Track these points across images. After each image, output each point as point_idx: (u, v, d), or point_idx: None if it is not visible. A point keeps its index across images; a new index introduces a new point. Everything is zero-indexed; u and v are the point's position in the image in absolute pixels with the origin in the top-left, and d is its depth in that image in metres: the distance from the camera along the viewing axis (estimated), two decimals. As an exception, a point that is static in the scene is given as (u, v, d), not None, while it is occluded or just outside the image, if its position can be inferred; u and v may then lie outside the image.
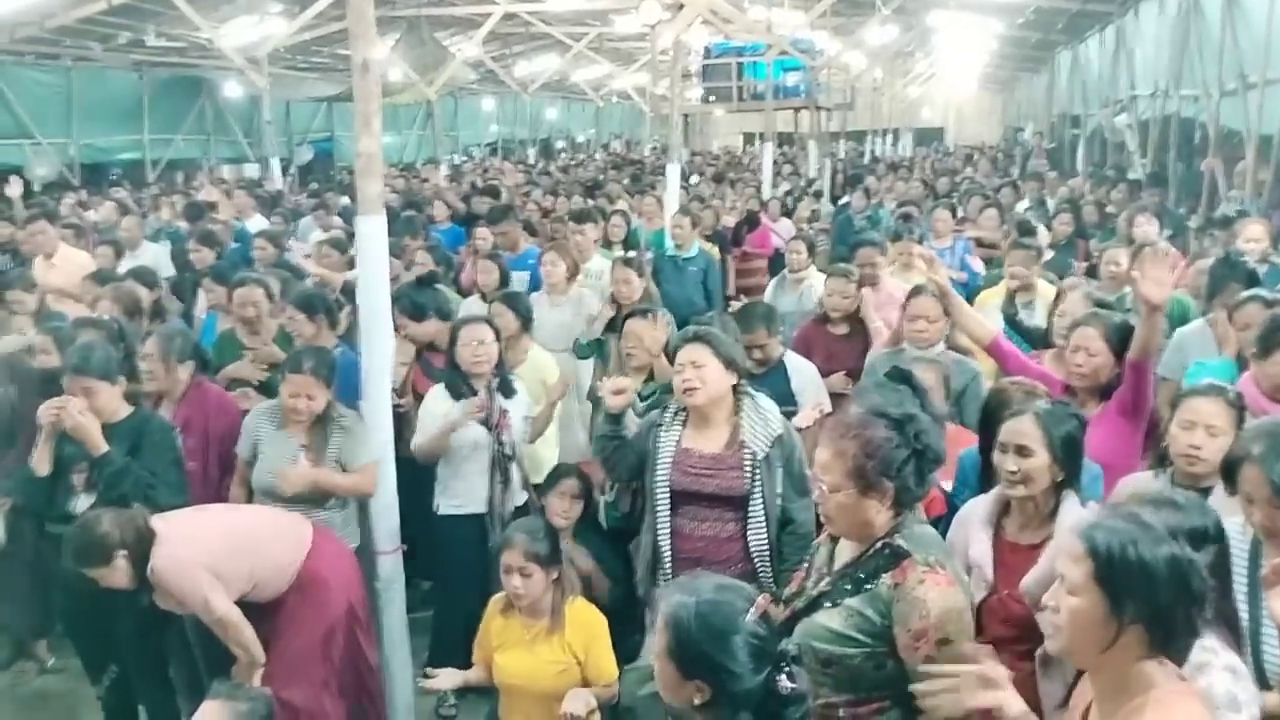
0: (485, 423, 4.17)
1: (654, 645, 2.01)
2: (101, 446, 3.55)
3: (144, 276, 5.77)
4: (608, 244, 8.01)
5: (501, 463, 4.21)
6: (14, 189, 9.38)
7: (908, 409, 2.42)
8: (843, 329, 5.22)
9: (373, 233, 3.95)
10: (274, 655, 3.41)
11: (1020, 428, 2.79)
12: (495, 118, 30.43)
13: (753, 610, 1.95)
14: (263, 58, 15.43)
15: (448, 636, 4.24)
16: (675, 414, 3.37)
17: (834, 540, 2.54)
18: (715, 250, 8.55)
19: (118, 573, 3.16)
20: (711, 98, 23.21)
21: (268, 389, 4.61)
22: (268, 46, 15.46)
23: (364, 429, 3.92)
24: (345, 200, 12.67)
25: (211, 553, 3.30)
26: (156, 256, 7.55)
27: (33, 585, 4.37)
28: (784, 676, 1.91)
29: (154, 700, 3.77)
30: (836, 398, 4.57)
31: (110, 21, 15.21)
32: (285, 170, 17.29)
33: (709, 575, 2.15)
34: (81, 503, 3.64)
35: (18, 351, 4.60)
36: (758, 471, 3.23)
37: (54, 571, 3.93)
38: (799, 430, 3.65)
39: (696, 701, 1.94)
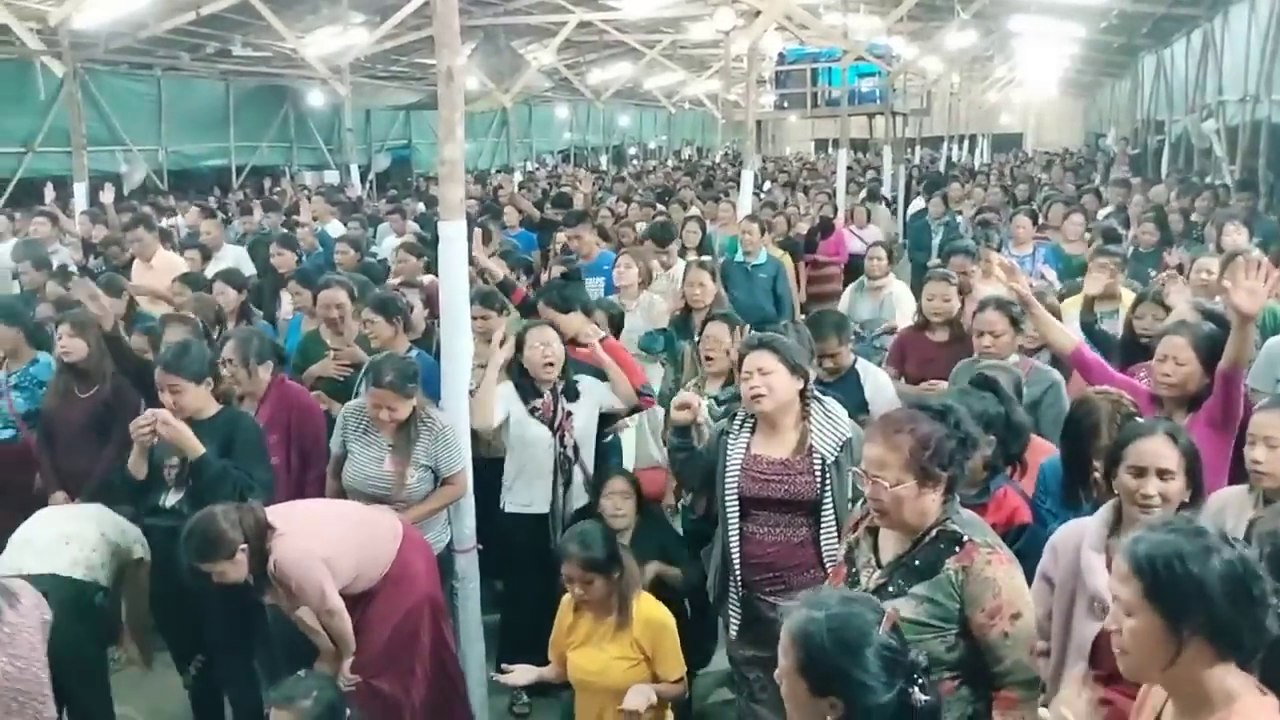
0: (549, 424, 4.22)
1: (780, 666, 1.95)
2: (198, 450, 3.64)
3: (233, 278, 5.95)
4: (682, 250, 8.03)
5: (564, 464, 4.26)
6: (107, 195, 9.72)
7: (945, 401, 2.51)
8: (943, 335, 5.08)
9: (454, 237, 4.02)
10: (365, 644, 3.48)
11: (1158, 449, 2.64)
12: (568, 125, 30.68)
13: (885, 622, 1.90)
14: (345, 67, 15.80)
15: (516, 634, 4.30)
16: (743, 421, 3.38)
17: (871, 533, 2.57)
18: (786, 257, 8.52)
19: (238, 567, 3.22)
20: (785, 104, 23.07)
21: (349, 389, 4.73)
22: (349, 56, 15.82)
23: (453, 432, 3.98)
24: (421, 206, 12.94)
25: (326, 545, 3.38)
26: (238, 259, 7.76)
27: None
28: (916, 689, 1.86)
29: (238, 689, 3.87)
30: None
31: (199, 32, 15.69)
32: (364, 177, 17.64)
33: (831, 589, 2.17)
34: (172, 497, 3.76)
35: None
36: (828, 476, 3.22)
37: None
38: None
39: (830, 719, 1.88)
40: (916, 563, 2.44)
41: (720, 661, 4.52)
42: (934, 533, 2.45)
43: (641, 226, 8.83)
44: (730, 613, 3.37)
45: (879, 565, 2.52)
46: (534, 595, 4.17)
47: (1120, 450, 2.70)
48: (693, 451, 3.51)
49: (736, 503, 3.29)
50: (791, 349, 3.34)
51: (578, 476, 4.32)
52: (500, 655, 4.32)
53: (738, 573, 3.31)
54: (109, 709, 3.69)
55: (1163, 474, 2.62)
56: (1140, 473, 2.63)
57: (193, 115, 18.55)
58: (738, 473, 3.29)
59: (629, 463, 4.96)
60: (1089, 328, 4.87)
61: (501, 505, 4.33)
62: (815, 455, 3.24)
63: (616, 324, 5.33)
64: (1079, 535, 2.70)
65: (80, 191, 11.80)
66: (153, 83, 17.46)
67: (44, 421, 4.69)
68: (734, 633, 3.38)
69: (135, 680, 4.63)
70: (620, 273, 5.91)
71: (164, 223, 9.95)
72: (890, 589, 2.43)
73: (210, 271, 6.69)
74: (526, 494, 4.27)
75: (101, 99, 16.00)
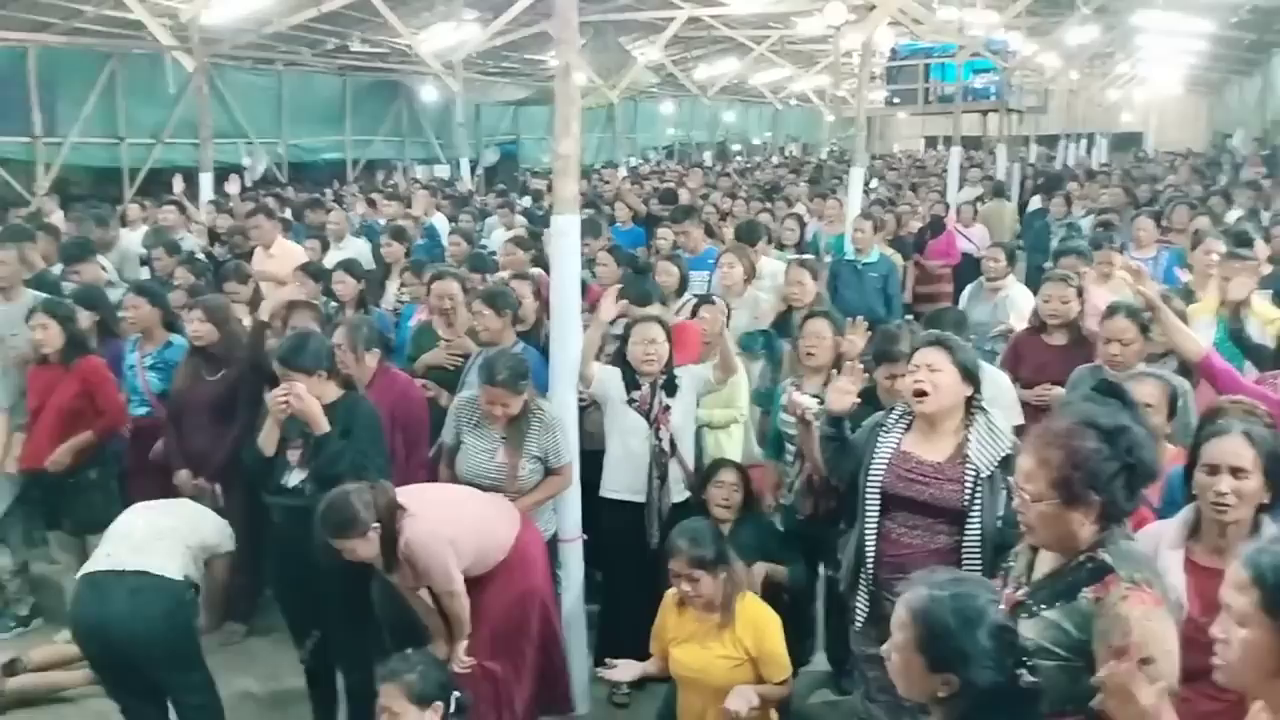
0: (645, 415, 4.24)
1: (893, 641, 2.02)
2: (324, 427, 3.77)
3: (352, 268, 6.10)
4: (780, 246, 7.97)
5: (659, 457, 4.27)
6: (233, 186, 10.11)
7: (1121, 420, 2.32)
8: (1060, 339, 4.94)
9: (567, 231, 4.07)
10: (479, 627, 3.56)
11: (1234, 448, 2.63)
12: (673, 121, 30.70)
13: (1003, 603, 1.95)
14: (457, 63, 16.11)
15: (612, 625, 4.34)
16: (900, 417, 3.29)
17: (1033, 550, 2.47)
18: (898, 256, 8.38)
19: (369, 545, 3.31)
20: (896, 100, 22.70)
21: (459, 378, 4.82)
22: (462, 52, 16.11)
23: (563, 425, 4.04)
24: (527, 201, 13.12)
25: (451, 528, 3.47)
26: (359, 250, 7.97)
27: (244, 551, 4.70)
28: (1024, 671, 1.92)
29: (351, 666, 3.97)
30: (1042, 412, 4.39)
31: (319, 28, 16.20)
32: (472, 171, 17.95)
33: (944, 570, 2.15)
34: (295, 476, 3.89)
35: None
36: (979, 488, 3.10)
37: (265, 538, 4.25)
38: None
39: (941, 695, 1.94)
40: (1060, 587, 2.32)
41: (822, 660, 4.49)
42: (1081, 559, 2.31)
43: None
44: (857, 606, 3.31)
45: (1029, 583, 2.42)
46: (630, 586, 4.21)
47: (1197, 450, 2.70)
48: (844, 441, 3.43)
49: (878, 497, 3.21)
50: (966, 352, 3.24)
51: (675, 471, 4.33)
52: (598, 645, 4.38)
53: (869, 569, 3.24)
54: (209, 694, 3.78)
55: (1236, 472, 2.59)
56: (1214, 470, 2.62)
57: (311, 109, 19.16)
58: (884, 467, 3.21)
59: (737, 454, 4.95)
60: (1237, 335, 4.63)
61: (599, 490, 4.37)
62: (969, 465, 3.12)
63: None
64: (1159, 536, 2.72)
65: (205, 182, 12.31)
66: (274, 77, 18.09)
67: (172, 402, 4.91)
68: (857, 625, 3.32)
69: (252, 653, 4.84)
70: (724, 270, 5.89)
71: (286, 213, 10.28)
72: (1025, 608, 2.34)
73: (329, 262, 6.89)
74: (622, 480, 4.32)
75: (226, 93, 16.63)
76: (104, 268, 6.80)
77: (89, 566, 3.70)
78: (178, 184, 10.57)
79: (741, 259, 5.96)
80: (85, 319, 5.12)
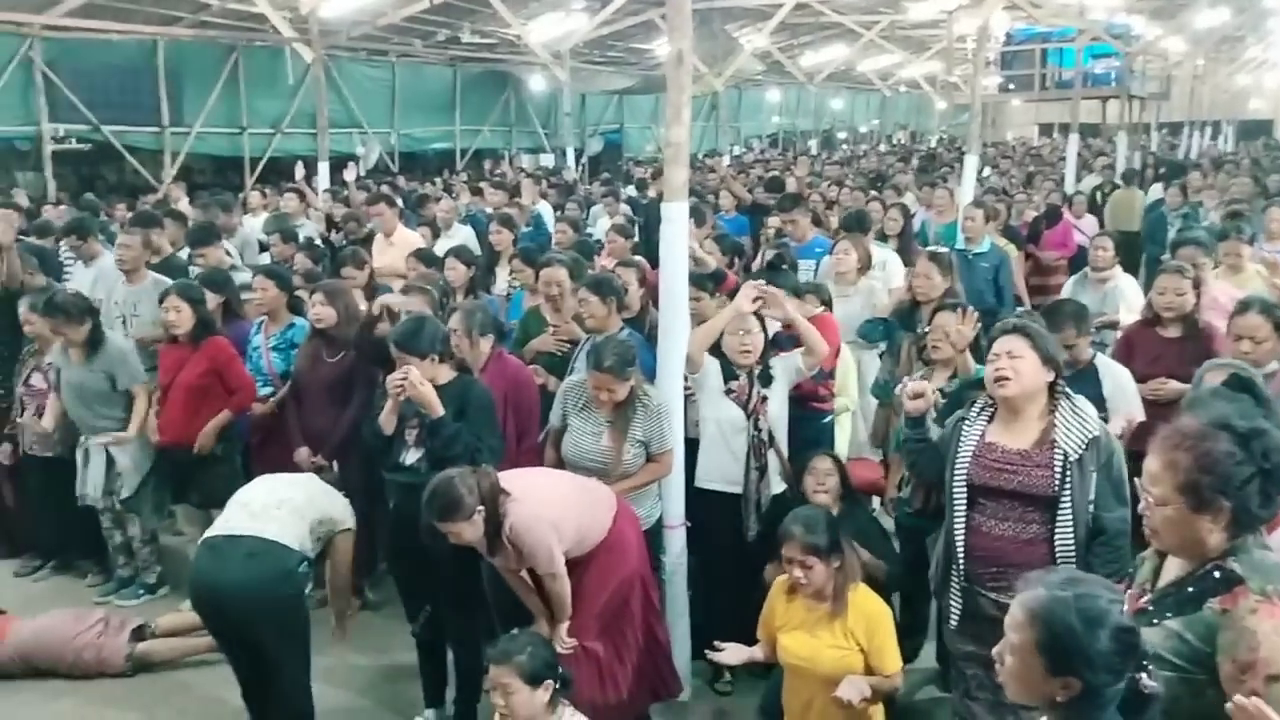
0: (742, 406, 4.22)
1: (1008, 642, 1.95)
2: (438, 411, 3.86)
3: (463, 254, 6.24)
4: (882, 236, 7.84)
5: (758, 448, 4.25)
6: (350, 173, 10.41)
7: (1257, 422, 2.21)
8: (1174, 331, 4.77)
9: (677, 218, 4.08)
10: (580, 609, 3.61)
11: None
12: (778, 108, 30.44)
13: (1126, 605, 1.88)
14: (565, 52, 16.27)
15: (705, 616, 4.33)
16: (982, 408, 3.26)
17: (1160, 556, 2.38)
18: (1011, 247, 8.16)
19: (474, 528, 3.38)
20: (1011, 86, 22.08)
21: (567, 364, 4.88)
22: (570, 41, 16.28)
23: (666, 411, 4.05)
24: (631, 190, 13.19)
25: (553, 512, 3.52)
26: (467, 237, 8.13)
27: (359, 528, 4.86)
28: (1144, 675, 1.85)
29: (461, 645, 4.07)
30: (1157, 407, 4.24)
31: (431, 20, 16.55)
32: (577, 160, 18.14)
33: (1063, 570, 2.08)
34: (411, 455, 3.99)
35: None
36: (1069, 473, 3.06)
37: (380, 515, 4.40)
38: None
39: (1059, 699, 1.88)
40: (1185, 596, 2.21)
41: (930, 658, 4.42)
42: (1209, 567, 2.19)
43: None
44: (950, 605, 3.28)
45: (1153, 589, 2.33)
46: (723, 578, 4.20)
47: None
48: (927, 442, 3.43)
49: (965, 490, 3.18)
50: (1046, 339, 3.20)
51: (773, 463, 4.31)
52: (694, 633, 4.38)
53: (961, 564, 3.21)
54: (304, 669, 3.86)
55: None
56: None
57: (422, 100, 19.58)
58: (969, 459, 3.18)
59: (842, 451, 4.91)
60: None
61: (695, 480, 4.35)
62: (1057, 450, 3.08)
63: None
64: None
65: (323, 170, 12.72)
66: (387, 69, 18.53)
67: (294, 382, 5.09)
68: (952, 624, 3.29)
69: (364, 627, 4.98)
70: (839, 258, 5.83)
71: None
72: (1148, 616, 2.24)
73: (440, 248, 7.04)
74: (717, 470, 4.30)
75: (342, 84, 17.11)
76: (228, 252, 7.09)
77: (209, 532, 3.88)
78: (299, 171, 10.93)
79: (857, 247, 5.89)
80: (211, 300, 5.34)
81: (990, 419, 3.23)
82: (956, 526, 3.20)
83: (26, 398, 5.39)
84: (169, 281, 5.92)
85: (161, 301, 5.07)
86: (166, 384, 5.11)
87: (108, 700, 4.46)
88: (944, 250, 6.41)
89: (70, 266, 7.16)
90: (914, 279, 5.27)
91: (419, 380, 3.81)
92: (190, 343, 5.05)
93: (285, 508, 3.86)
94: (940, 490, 3.42)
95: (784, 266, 5.86)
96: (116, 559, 5.43)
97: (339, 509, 4.08)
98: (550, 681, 3.07)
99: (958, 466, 3.20)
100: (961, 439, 3.23)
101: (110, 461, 5.17)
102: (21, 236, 6.85)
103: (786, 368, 4.37)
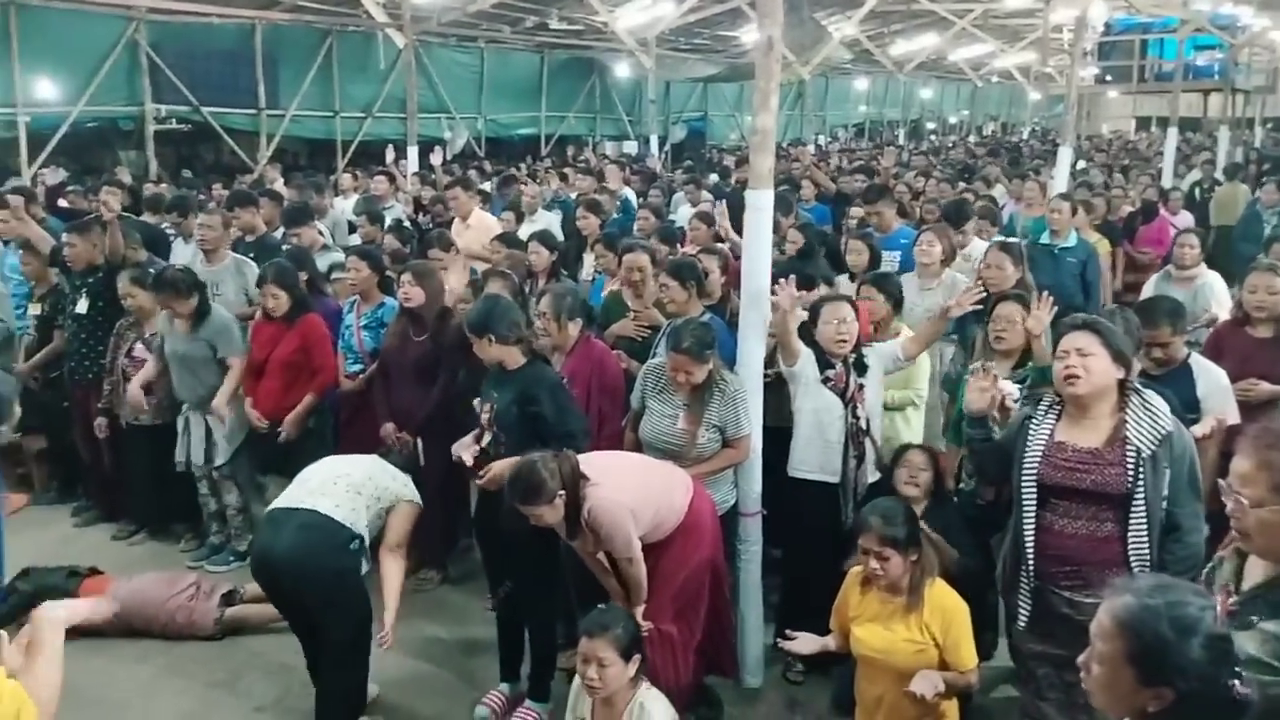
0: (840, 395, 4.20)
1: (1095, 651, 1.88)
2: None
3: (546, 239, 6.31)
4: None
5: (856, 436, 4.22)
6: (436, 157, 10.59)
7: None
8: (1265, 332, 4.65)
9: (762, 206, 4.08)
10: (655, 591, 3.65)
11: None
12: (865, 98, 30.01)
13: (1219, 611, 1.83)
14: (651, 39, 16.26)
15: (796, 600, 4.33)
16: (1049, 405, 3.21)
17: (1241, 556, 2.32)
18: (1103, 242, 7.95)
19: (555, 511, 3.45)
20: (1108, 77, 21.45)
21: (647, 349, 4.91)
22: (657, 28, 16.25)
23: (744, 397, 4.06)
24: (715, 178, 13.15)
25: (632, 497, 3.57)
26: (550, 223, 8.21)
27: (441, 504, 4.97)
28: (1237, 681, 1.79)
29: (536, 623, 4.14)
30: (1246, 409, 4.12)
31: (520, 6, 16.69)
32: (661, 147, 18.15)
33: (1151, 576, 2.04)
34: (485, 435, 4.06)
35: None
36: (1141, 470, 3.00)
37: (463, 492, 4.46)
38: (1196, 441, 3.35)
39: (1151, 709, 1.82)
40: (1276, 597, 2.16)
41: (1005, 655, 4.36)
42: None
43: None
44: (1019, 604, 3.24)
45: (1236, 591, 2.28)
46: (817, 568, 4.18)
47: None
48: (991, 439, 3.39)
49: (1034, 490, 3.15)
50: (1116, 335, 3.14)
51: (869, 451, 4.28)
52: (779, 626, 4.39)
53: (1030, 563, 3.17)
54: (355, 642, 3.92)
55: None
56: None
57: (509, 86, 19.79)
58: (1038, 458, 3.14)
59: (916, 438, 4.85)
60: None
61: (790, 470, 4.35)
62: (1129, 447, 3.03)
63: (896, 304, 5.15)
64: None
65: (412, 155, 12.94)
66: (476, 54, 18.77)
67: (382, 360, 5.22)
68: (1022, 624, 3.25)
69: (444, 600, 5.10)
70: (923, 249, 5.75)
71: (485, 186, 10.69)
72: (1236, 619, 2.18)
73: (523, 233, 7.13)
74: (815, 460, 4.27)
75: (432, 69, 17.38)
76: (320, 232, 7.26)
77: (272, 504, 4.00)
78: (389, 154, 11.15)
79: (941, 238, 5.81)
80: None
81: (1058, 417, 3.18)
82: (1026, 526, 3.16)
83: (130, 369, 5.61)
84: (249, 261, 6.15)
85: (259, 286, 5.22)
86: (261, 359, 5.27)
87: (196, 661, 4.63)
88: (1014, 240, 6.29)
89: (171, 243, 7.43)
90: (984, 270, 5.19)
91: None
92: (285, 321, 5.21)
93: (342, 484, 3.95)
94: (1009, 485, 3.37)
95: (814, 254, 5.82)
96: (210, 526, 5.64)
97: (399, 486, 4.13)
98: (639, 656, 3.13)
99: (1026, 466, 3.16)
100: (1029, 438, 3.18)
101: (209, 430, 5.38)
102: (126, 213, 7.12)
103: (882, 356, 4.33)
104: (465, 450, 4.08)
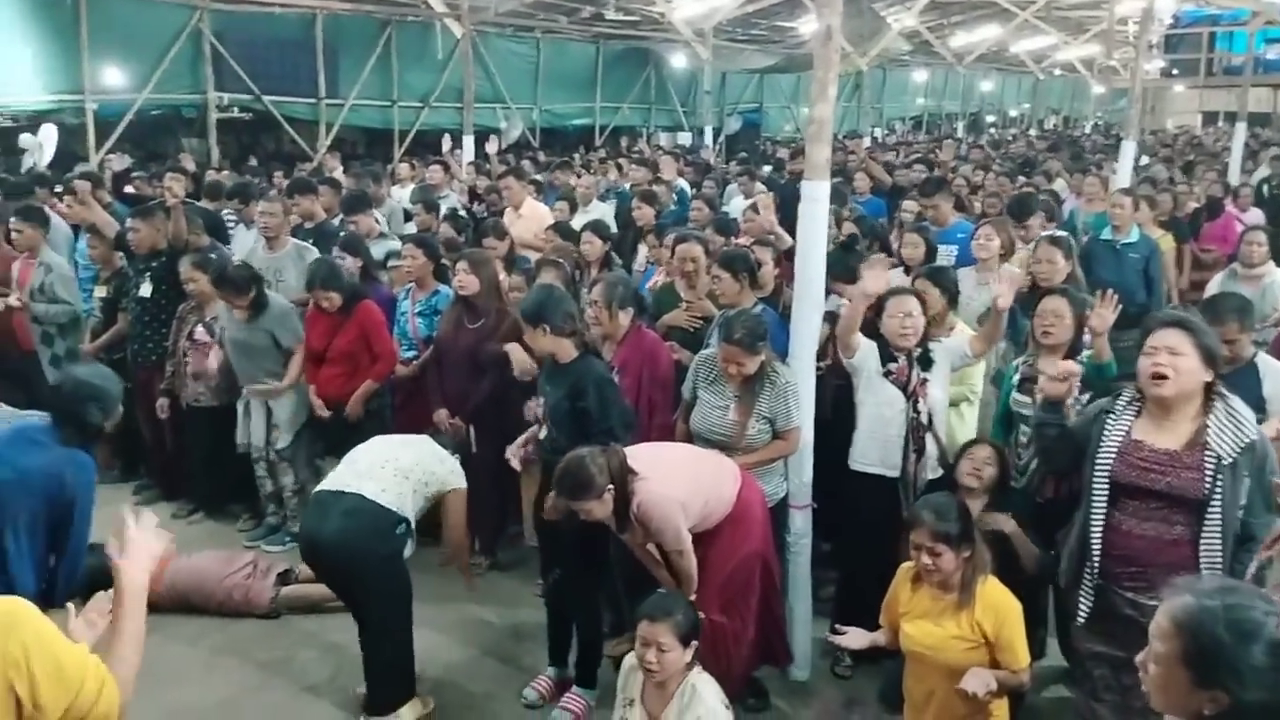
0: (902, 388, 4.16)
1: (1153, 651, 1.86)
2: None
3: (599, 229, 6.32)
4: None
5: (916, 430, 4.18)
6: (492, 146, 10.66)
7: None
8: None
9: (817, 197, 4.05)
10: (705, 581, 3.65)
11: None
12: (923, 90, 29.63)
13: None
14: (708, 30, 16.18)
15: (851, 600, 4.30)
16: (1129, 402, 3.14)
17: None
18: (1167, 238, 7.78)
19: (604, 506, 3.47)
20: (1174, 71, 20.96)
21: (700, 340, 4.91)
22: (714, 19, 16.18)
23: (795, 389, 4.04)
24: (768, 169, 13.07)
25: (681, 489, 3.58)
26: (605, 213, 8.22)
27: (492, 490, 5.02)
28: None
29: (580, 612, 4.17)
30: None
31: (578, -4, 16.72)
32: (715, 139, 18.06)
33: (1215, 578, 1.99)
34: (541, 430, 4.10)
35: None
36: (1220, 477, 2.93)
37: (513, 479, 4.50)
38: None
39: (1207, 713, 1.80)
40: None
41: (1057, 655, 4.30)
42: None
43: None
44: (1080, 602, 3.19)
45: None
46: (874, 562, 4.15)
47: None
48: (1063, 428, 3.32)
49: (1106, 487, 3.08)
50: (1208, 335, 3.05)
51: (931, 447, 4.23)
52: (833, 620, 4.36)
53: (1096, 561, 3.11)
54: (400, 625, 3.97)
55: None
56: None
57: (564, 76, 19.80)
58: (1113, 456, 3.08)
59: (960, 440, 4.79)
60: None
61: (849, 462, 4.32)
62: (1209, 453, 2.96)
63: (952, 299, 5.08)
64: None
65: (468, 144, 13.04)
66: (532, 44, 18.82)
67: (436, 346, 5.27)
68: (1080, 621, 3.20)
69: (493, 585, 5.15)
70: (981, 244, 5.67)
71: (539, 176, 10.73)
72: None
73: (577, 223, 7.14)
74: (875, 454, 4.24)
75: (489, 60, 17.45)
76: (377, 220, 7.35)
77: (320, 486, 4.05)
78: (446, 144, 11.24)
79: (1000, 233, 5.73)
80: (351, 264, 5.56)
81: (1137, 414, 3.10)
82: (1095, 523, 3.11)
83: (191, 351, 5.73)
84: (310, 248, 6.23)
85: (309, 290, 5.28)
86: (320, 348, 5.33)
87: (252, 639, 4.72)
88: (1064, 234, 6.18)
89: (232, 229, 7.57)
90: (1035, 264, 5.11)
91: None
92: (341, 312, 5.26)
93: (389, 468, 3.99)
94: (1069, 480, 3.32)
95: (857, 247, 5.76)
96: (267, 507, 5.74)
97: (447, 470, 4.18)
98: (695, 643, 3.15)
99: (1100, 462, 3.10)
100: (1105, 434, 3.11)
101: (269, 413, 5.48)
102: (188, 200, 7.26)
103: (950, 352, 4.28)
104: (515, 456, 4.12)
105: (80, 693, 1.92)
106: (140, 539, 2.23)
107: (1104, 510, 3.09)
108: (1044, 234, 6.18)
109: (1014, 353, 4.89)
